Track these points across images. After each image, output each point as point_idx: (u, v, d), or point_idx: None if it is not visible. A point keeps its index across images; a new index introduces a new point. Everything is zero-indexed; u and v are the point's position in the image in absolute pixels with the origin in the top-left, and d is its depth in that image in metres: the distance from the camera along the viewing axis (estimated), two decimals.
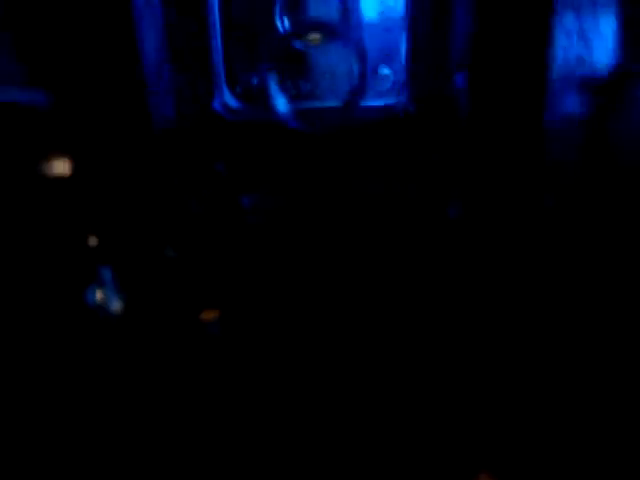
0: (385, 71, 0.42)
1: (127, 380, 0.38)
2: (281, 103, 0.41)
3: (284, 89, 0.42)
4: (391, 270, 0.40)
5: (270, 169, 0.43)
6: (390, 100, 0.43)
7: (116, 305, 0.37)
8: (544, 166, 0.37)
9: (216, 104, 0.43)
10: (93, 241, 0.37)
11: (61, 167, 0.36)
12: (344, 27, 0.41)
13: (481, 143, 0.39)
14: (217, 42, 0.42)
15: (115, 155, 0.38)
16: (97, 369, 0.38)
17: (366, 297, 0.40)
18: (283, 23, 0.41)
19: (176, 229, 0.40)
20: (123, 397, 0.38)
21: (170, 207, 0.40)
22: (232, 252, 0.40)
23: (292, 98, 0.42)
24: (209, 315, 0.39)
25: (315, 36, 0.41)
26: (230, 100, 0.43)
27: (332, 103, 0.42)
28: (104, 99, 0.37)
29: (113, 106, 0.38)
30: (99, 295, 0.37)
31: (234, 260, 0.40)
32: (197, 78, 0.42)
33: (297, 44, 0.41)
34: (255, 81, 0.43)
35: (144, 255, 0.38)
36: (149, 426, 0.38)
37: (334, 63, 0.42)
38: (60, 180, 0.36)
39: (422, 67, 0.41)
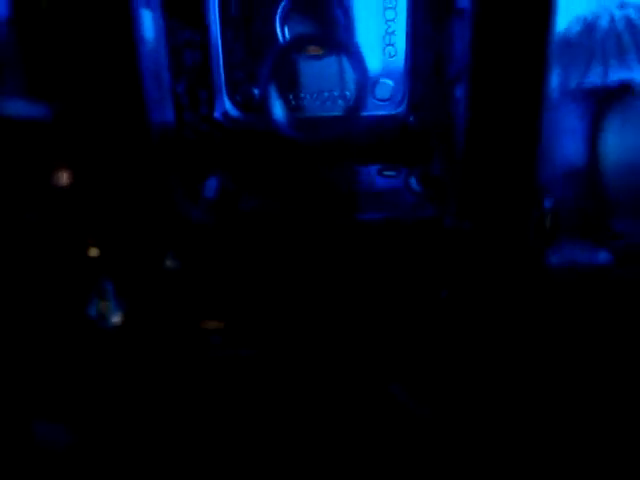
0: (385, 82, 0.43)
1: (128, 391, 0.38)
2: (281, 113, 0.41)
3: (284, 99, 0.42)
4: (391, 269, 0.41)
5: (270, 178, 0.43)
6: (390, 110, 0.43)
7: (117, 317, 0.37)
8: (542, 174, 0.38)
9: (217, 113, 0.43)
10: (94, 252, 0.37)
11: (63, 178, 0.36)
12: (344, 38, 0.42)
13: (479, 153, 0.39)
14: (218, 51, 0.42)
15: (115, 165, 0.38)
16: (98, 380, 0.38)
17: (365, 301, 0.41)
18: (284, 34, 0.42)
19: (177, 239, 0.40)
20: (124, 408, 0.38)
21: (171, 216, 0.40)
22: (233, 260, 0.40)
23: (292, 108, 0.43)
24: (211, 325, 0.39)
25: (315, 47, 0.41)
26: (231, 109, 0.43)
27: (332, 113, 0.43)
28: (105, 109, 0.37)
29: (113, 116, 0.38)
30: (101, 307, 0.37)
31: (235, 268, 0.40)
32: (198, 87, 0.42)
33: (297, 55, 0.41)
34: (256, 91, 0.43)
35: (145, 265, 0.38)
36: (149, 435, 0.38)
37: (334, 74, 0.42)
38: (62, 191, 0.37)
39: (422, 78, 0.41)
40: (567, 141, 0.37)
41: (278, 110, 0.41)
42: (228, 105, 0.43)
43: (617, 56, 0.37)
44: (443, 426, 0.37)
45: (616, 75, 0.37)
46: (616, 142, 0.36)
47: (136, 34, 0.37)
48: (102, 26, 0.36)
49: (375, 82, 0.43)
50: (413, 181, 0.43)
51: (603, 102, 0.36)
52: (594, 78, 0.37)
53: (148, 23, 0.38)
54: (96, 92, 0.37)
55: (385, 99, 0.43)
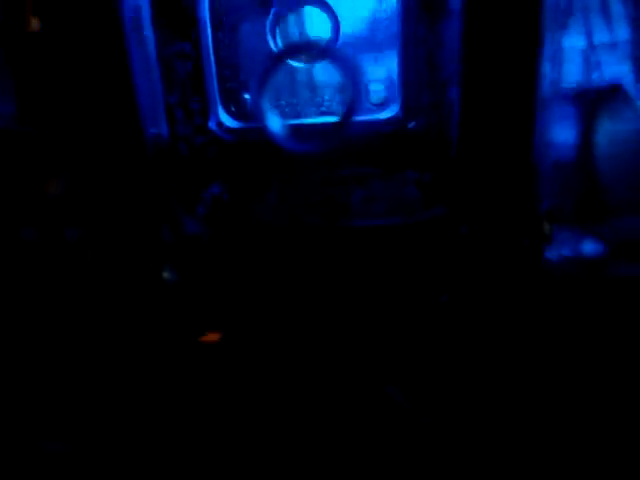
0: (379, 85, 0.43)
1: (127, 404, 0.39)
2: (275, 121, 0.41)
3: (278, 107, 0.42)
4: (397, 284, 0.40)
5: (265, 187, 0.43)
6: (384, 114, 0.43)
7: None
8: (536, 174, 0.37)
9: (211, 123, 0.43)
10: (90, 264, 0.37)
11: (58, 191, 0.37)
12: (336, 44, 0.42)
13: (473, 154, 0.39)
14: (210, 61, 0.42)
15: (111, 178, 0.39)
16: (97, 389, 0.38)
17: (365, 306, 0.41)
18: (276, 41, 0.42)
19: (173, 250, 0.40)
20: (122, 417, 0.38)
21: (166, 228, 0.40)
22: (229, 271, 0.40)
23: (286, 116, 0.43)
24: (210, 337, 0.39)
25: (307, 54, 0.41)
26: (225, 119, 0.43)
27: (326, 119, 0.43)
28: (99, 122, 0.38)
29: (108, 129, 0.38)
30: None
31: (231, 279, 0.40)
32: (191, 98, 0.42)
33: (290, 62, 0.41)
34: (250, 99, 0.43)
35: (142, 278, 0.39)
36: (148, 444, 0.38)
37: (327, 80, 0.42)
38: (57, 205, 0.37)
39: (415, 81, 0.41)
40: (561, 139, 0.37)
41: (272, 118, 0.41)
42: (222, 115, 0.43)
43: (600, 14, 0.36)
44: (442, 429, 0.37)
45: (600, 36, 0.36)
46: (609, 141, 0.35)
47: (127, 46, 0.37)
48: (93, 39, 0.36)
49: (368, 86, 0.42)
50: (410, 185, 0.42)
51: (595, 102, 0.36)
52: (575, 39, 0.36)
53: (139, 35, 0.38)
54: (90, 106, 0.37)
55: (379, 103, 0.43)
